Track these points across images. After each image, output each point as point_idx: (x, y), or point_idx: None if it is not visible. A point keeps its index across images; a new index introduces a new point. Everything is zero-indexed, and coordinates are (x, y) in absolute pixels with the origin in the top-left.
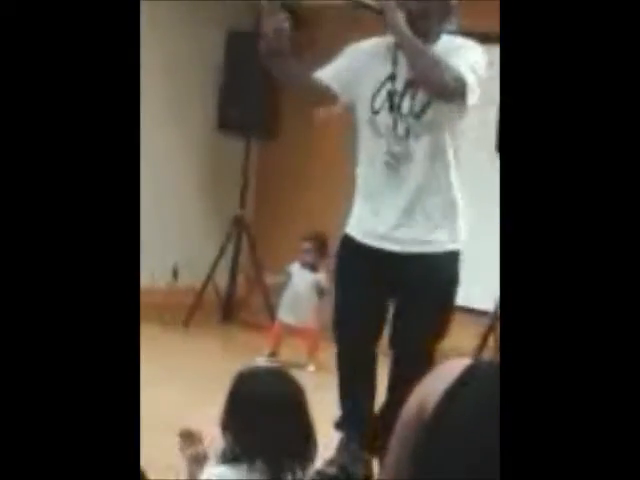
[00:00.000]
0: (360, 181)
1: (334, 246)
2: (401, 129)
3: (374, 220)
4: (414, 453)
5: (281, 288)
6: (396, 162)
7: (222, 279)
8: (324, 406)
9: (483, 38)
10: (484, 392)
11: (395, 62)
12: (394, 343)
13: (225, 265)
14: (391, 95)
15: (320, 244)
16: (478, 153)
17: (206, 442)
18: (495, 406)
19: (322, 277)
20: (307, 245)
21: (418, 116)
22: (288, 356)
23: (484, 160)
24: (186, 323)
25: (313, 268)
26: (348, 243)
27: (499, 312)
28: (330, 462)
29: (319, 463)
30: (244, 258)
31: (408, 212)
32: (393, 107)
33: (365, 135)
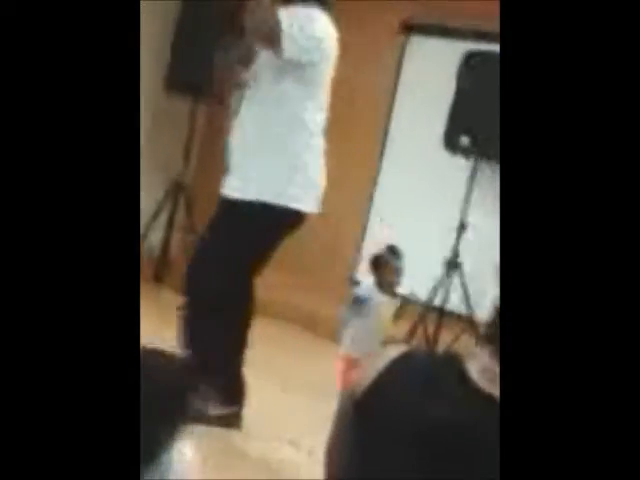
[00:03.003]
0: None
1: None
2: (256, 79)
3: None
4: (346, 430)
5: None
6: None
7: (157, 239)
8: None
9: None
10: (414, 378)
11: None
12: None
13: (161, 225)
14: None
15: None
16: (426, 144)
17: None
18: (425, 392)
19: None
20: None
21: (269, 65)
22: None
23: (430, 153)
24: None
25: None
26: None
27: (430, 303)
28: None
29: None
30: (180, 220)
31: (237, 161)
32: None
33: None
